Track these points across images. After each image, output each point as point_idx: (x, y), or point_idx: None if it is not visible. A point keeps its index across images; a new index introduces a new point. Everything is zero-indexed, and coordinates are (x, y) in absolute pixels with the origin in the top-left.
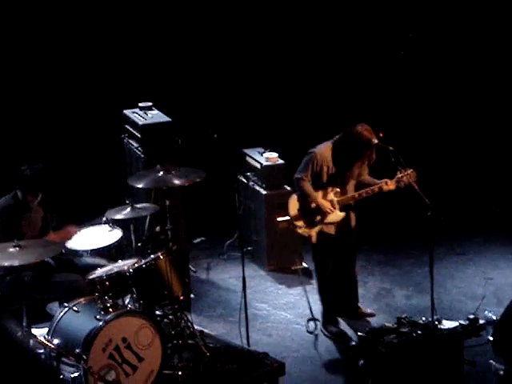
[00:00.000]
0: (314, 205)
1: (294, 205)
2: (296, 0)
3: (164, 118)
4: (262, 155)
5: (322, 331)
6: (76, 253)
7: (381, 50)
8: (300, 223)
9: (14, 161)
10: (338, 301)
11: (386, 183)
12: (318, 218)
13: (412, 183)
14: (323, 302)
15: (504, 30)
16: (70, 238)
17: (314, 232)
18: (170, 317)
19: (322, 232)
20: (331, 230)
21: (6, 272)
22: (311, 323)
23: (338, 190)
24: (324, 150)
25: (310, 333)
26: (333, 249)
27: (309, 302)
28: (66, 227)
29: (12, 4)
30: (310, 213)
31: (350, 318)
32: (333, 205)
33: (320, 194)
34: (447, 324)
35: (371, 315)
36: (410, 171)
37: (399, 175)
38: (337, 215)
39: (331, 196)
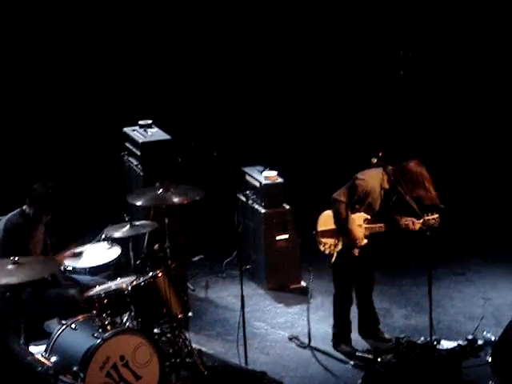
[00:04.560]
0: (344, 227)
1: (325, 221)
2: (297, 21)
3: (164, 136)
4: (261, 173)
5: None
6: (74, 270)
7: (380, 70)
8: (326, 241)
9: (12, 177)
10: (359, 322)
11: (413, 223)
12: (344, 240)
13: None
14: (337, 322)
15: (504, 48)
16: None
17: (335, 252)
18: (168, 335)
19: (347, 253)
20: (355, 251)
21: (6, 288)
22: (295, 340)
23: (369, 217)
24: (374, 179)
25: (304, 348)
26: (355, 270)
27: (308, 322)
28: (68, 249)
29: (15, 24)
30: (339, 234)
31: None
32: (360, 232)
33: (353, 218)
34: (446, 344)
35: (388, 341)
36: (436, 216)
37: (426, 218)
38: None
39: (360, 221)
